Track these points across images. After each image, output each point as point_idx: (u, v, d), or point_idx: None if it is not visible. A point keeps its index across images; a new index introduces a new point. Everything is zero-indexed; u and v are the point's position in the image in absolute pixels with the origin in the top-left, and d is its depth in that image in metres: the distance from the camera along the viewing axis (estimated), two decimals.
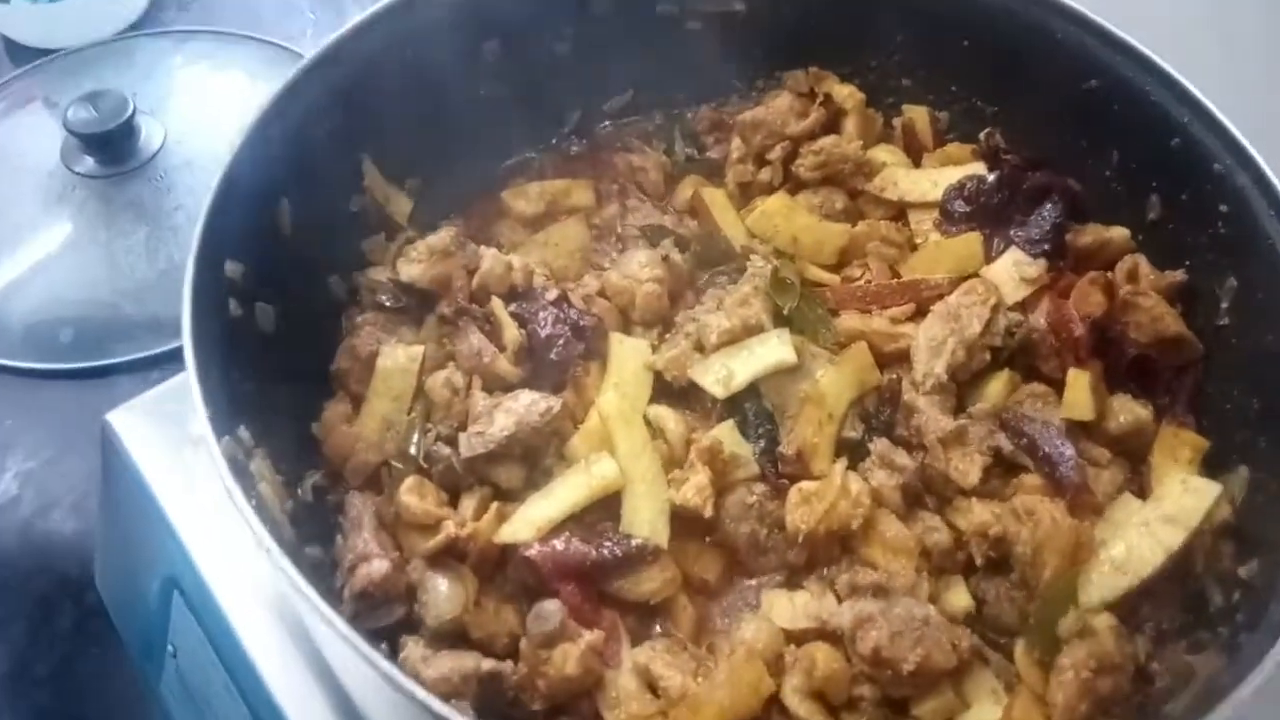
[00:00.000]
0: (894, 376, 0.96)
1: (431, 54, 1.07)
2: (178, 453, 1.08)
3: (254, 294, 0.92)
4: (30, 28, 1.74)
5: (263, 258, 0.93)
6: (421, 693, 0.68)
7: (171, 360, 1.26)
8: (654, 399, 0.97)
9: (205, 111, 1.61)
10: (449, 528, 0.85)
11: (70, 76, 1.66)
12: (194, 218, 0.91)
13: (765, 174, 1.15)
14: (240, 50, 1.71)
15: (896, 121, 1.18)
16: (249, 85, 1.61)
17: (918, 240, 1.08)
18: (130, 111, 1.45)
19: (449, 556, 0.86)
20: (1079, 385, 0.92)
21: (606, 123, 1.24)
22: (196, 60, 1.71)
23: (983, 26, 1.10)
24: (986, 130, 1.11)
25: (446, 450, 0.90)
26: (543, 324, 0.97)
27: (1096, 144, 1.05)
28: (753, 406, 0.95)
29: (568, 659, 0.79)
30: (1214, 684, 0.74)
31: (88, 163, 1.50)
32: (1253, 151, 0.92)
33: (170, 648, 1.17)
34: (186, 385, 0.80)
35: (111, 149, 1.48)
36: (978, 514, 0.88)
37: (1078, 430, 0.92)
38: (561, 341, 0.96)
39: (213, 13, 1.81)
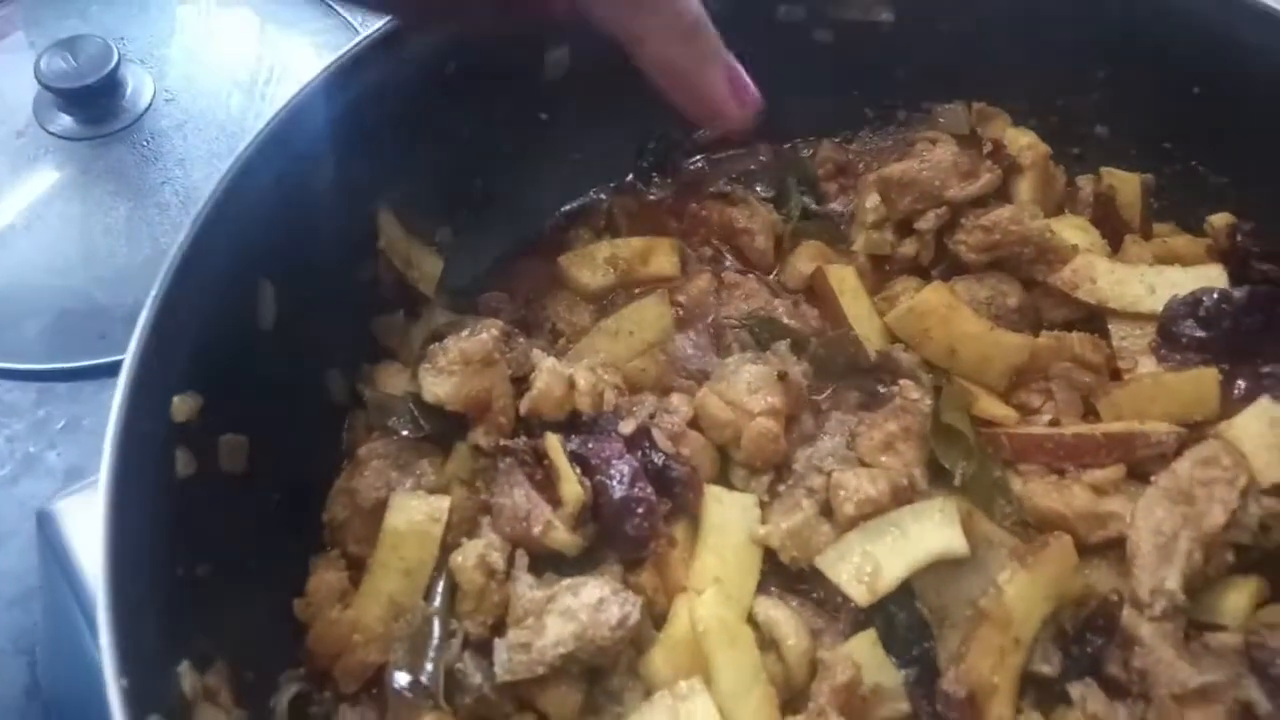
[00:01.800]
0: (1112, 596, 0.69)
1: (479, 66, 0.80)
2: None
3: (215, 428, 0.65)
4: None
5: (230, 374, 0.66)
6: None
7: None
8: (762, 584, 0.71)
9: (204, 61, 1.40)
10: None
11: (51, 11, 1.43)
12: (184, 191, 0.66)
13: (908, 246, 0.87)
14: None
15: (1084, 183, 0.89)
16: (258, 28, 1.39)
17: (1123, 363, 0.80)
18: (114, 62, 1.27)
19: None
20: None
21: (698, 157, 0.95)
22: None
23: (1225, 67, 0.81)
24: (1231, 223, 0.81)
25: (478, 679, 0.64)
26: (617, 480, 0.70)
27: None
28: (903, 612, 0.69)
29: None
30: None
31: (64, 121, 1.32)
32: None
33: None
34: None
35: (91, 106, 1.30)
36: None
37: None
38: (641, 512, 0.69)
39: None
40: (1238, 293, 0.77)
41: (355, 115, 0.75)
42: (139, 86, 1.32)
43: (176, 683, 0.56)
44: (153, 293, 0.62)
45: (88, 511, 0.89)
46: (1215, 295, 0.77)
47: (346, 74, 0.73)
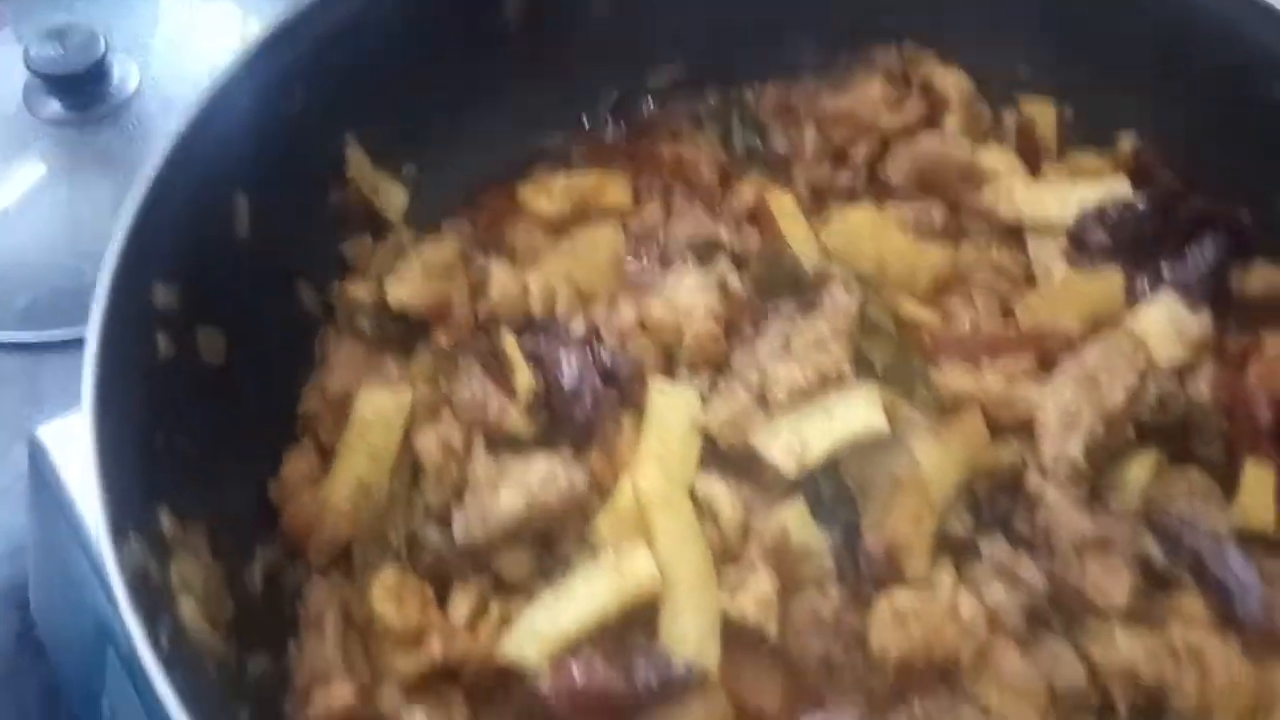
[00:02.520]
0: (1017, 460, 0.75)
1: (440, 8, 0.86)
2: None
3: (195, 320, 0.72)
4: None
5: (208, 270, 0.73)
6: None
7: None
8: (703, 465, 0.77)
9: (189, 49, 1.45)
10: (435, 646, 0.65)
11: (40, 3, 1.46)
12: None
13: (844, 177, 0.94)
14: None
15: (1011, 120, 0.95)
16: (239, 18, 1.43)
17: (1038, 271, 0.86)
18: (102, 50, 1.31)
19: (437, 677, 0.66)
20: (1259, 485, 0.71)
21: (650, 101, 1.02)
22: None
23: (1128, 5, 0.87)
24: (1135, 140, 0.88)
25: (436, 538, 0.70)
26: (566, 369, 0.76)
27: (1270, 164, 0.83)
28: (829, 485, 0.75)
29: None
30: None
31: (53, 107, 1.35)
32: None
33: (106, 703, 0.99)
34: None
35: (80, 91, 1.32)
36: (1123, 648, 0.68)
37: (1253, 543, 0.71)
38: (589, 395, 0.76)
39: None
40: (1140, 201, 0.84)
41: (325, 50, 0.81)
42: (125, 73, 1.35)
43: (156, 522, 0.62)
44: (137, 190, 0.68)
45: (75, 438, 0.95)
46: (1121, 207, 0.84)
47: (318, 11, 0.80)
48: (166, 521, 0.63)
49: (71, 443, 0.94)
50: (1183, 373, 0.77)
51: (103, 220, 1.30)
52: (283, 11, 0.79)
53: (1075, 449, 0.73)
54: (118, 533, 0.57)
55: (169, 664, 0.53)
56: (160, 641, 0.54)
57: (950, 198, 0.91)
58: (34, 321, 1.19)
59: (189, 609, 0.60)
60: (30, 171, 1.30)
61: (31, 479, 1.01)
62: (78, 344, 1.16)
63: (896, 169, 0.91)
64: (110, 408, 0.60)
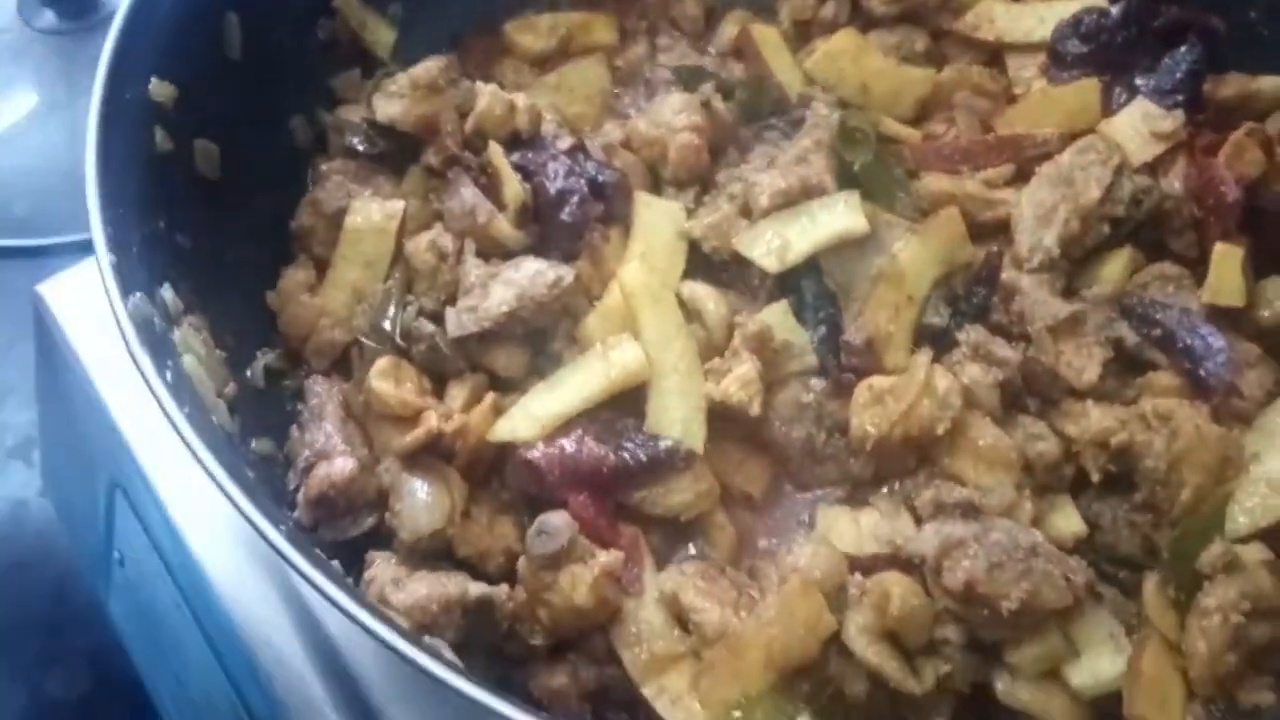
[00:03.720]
0: (991, 250, 0.77)
1: None
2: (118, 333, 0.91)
3: (191, 126, 0.74)
4: None
5: (202, 82, 0.74)
6: (385, 630, 0.52)
7: None
8: (689, 274, 0.79)
9: None
10: (431, 420, 0.68)
11: None
12: None
13: (828, 9, 0.95)
14: None
15: None
16: None
17: (1018, 90, 0.88)
18: None
19: (432, 456, 0.69)
20: (1229, 263, 0.74)
21: None
22: None
23: None
24: None
25: (430, 328, 0.72)
26: (553, 177, 0.78)
27: None
28: (811, 285, 0.77)
29: (577, 584, 0.63)
30: None
31: (47, 17, 1.38)
32: None
33: (117, 554, 1.02)
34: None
35: (73, 2, 1.34)
36: (1095, 419, 0.70)
37: (1223, 319, 0.73)
38: (576, 199, 0.77)
39: None
40: (1115, 9, 0.85)
41: None
42: None
43: (158, 293, 0.64)
44: None
45: (75, 290, 0.97)
46: (1095, 14, 0.85)
47: None
48: (170, 297, 0.65)
49: (71, 295, 0.97)
50: (1156, 169, 0.79)
51: None
52: None
53: (1050, 240, 0.76)
54: (124, 288, 0.59)
55: (177, 398, 0.55)
56: (166, 378, 0.56)
57: (931, 23, 0.92)
58: (34, 228, 1.21)
59: (191, 364, 0.63)
60: (27, 82, 1.33)
61: (36, 337, 1.03)
62: (77, 248, 1.19)
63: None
64: (110, 178, 0.62)
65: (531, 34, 0.94)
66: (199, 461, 0.53)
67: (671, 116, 0.84)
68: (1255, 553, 0.64)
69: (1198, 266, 0.76)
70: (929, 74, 0.88)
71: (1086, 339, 0.73)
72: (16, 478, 1.21)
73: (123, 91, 0.67)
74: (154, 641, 0.99)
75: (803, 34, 0.95)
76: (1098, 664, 0.64)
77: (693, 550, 0.71)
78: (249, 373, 0.73)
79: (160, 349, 0.59)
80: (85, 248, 1.16)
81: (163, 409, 0.54)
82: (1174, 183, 0.78)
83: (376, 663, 0.69)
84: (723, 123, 0.86)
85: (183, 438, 0.54)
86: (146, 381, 0.55)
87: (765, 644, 0.62)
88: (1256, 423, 0.70)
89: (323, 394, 0.73)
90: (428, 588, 0.61)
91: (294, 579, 0.73)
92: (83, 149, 1.30)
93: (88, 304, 0.95)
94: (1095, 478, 0.69)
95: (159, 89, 0.70)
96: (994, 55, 0.90)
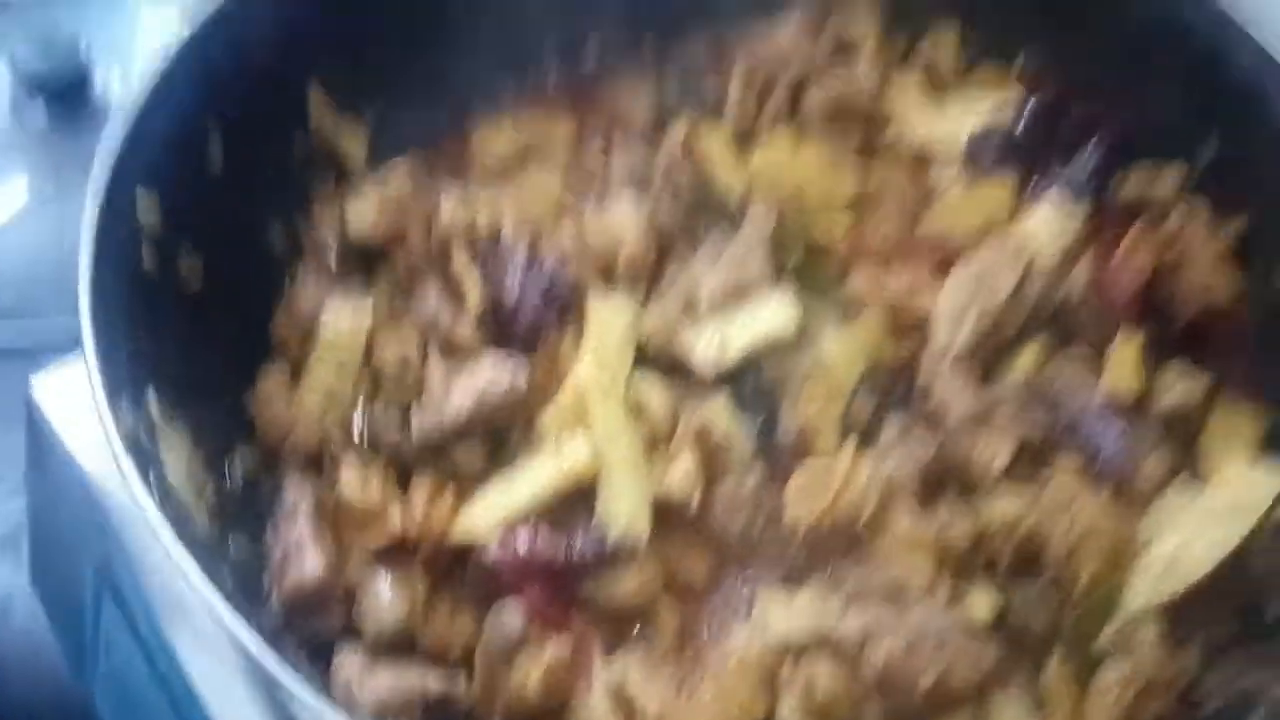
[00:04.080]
0: (911, 346, 0.84)
1: None
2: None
3: (176, 244, 0.80)
4: None
5: (187, 201, 0.81)
6: None
7: None
8: (639, 368, 0.85)
9: None
10: (395, 520, 0.74)
11: (22, 15, 1.52)
12: None
13: (767, 114, 1.02)
14: None
15: (919, 50, 1.04)
16: None
17: (939, 191, 0.95)
18: (83, 54, 1.38)
19: (396, 554, 0.75)
20: (1123, 356, 0.81)
21: (591, 55, 1.10)
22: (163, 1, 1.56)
23: None
24: (1028, 57, 0.97)
25: (396, 429, 0.78)
26: (511, 282, 0.85)
27: (1146, 79, 0.92)
28: (750, 380, 0.84)
29: (530, 675, 0.69)
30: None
31: (39, 115, 1.42)
32: None
33: (103, 644, 1.07)
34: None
35: (64, 99, 1.39)
36: (1006, 505, 0.76)
37: (1123, 408, 0.80)
38: (532, 303, 0.84)
39: None
40: (1027, 110, 0.93)
41: (292, 3, 0.90)
42: (109, 80, 1.41)
43: (144, 401, 0.70)
44: (127, 109, 0.76)
45: (68, 388, 1.03)
46: (1007, 118, 0.93)
47: None
48: (154, 404, 0.71)
49: (64, 391, 1.02)
50: (1064, 266, 0.86)
51: None
52: None
53: (963, 337, 0.82)
54: (112, 398, 0.65)
55: (161, 505, 0.61)
56: (151, 483, 0.62)
57: (862, 132, 0.99)
58: (22, 316, 1.28)
59: (175, 474, 0.69)
60: (17, 178, 1.38)
61: (28, 435, 1.08)
62: (58, 339, 1.23)
63: (813, 104, 0.99)
64: (101, 298, 0.69)
65: (495, 141, 1.01)
66: (179, 567, 0.59)
67: (622, 219, 0.91)
68: (1149, 632, 0.70)
69: (1102, 356, 0.83)
70: (859, 178, 0.96)
71: (998, 428, 0.79)
72: (3, 570, 1.23)
73: (112, 212, 0.74)
74: None
75: (745, 137, 1.02)
76: None
77: (638, 633, 0.77)
78: (227, 473, 0.79)
79: (145, 455, 0.65)
80: (73, 336, 1.24)
81: (147, 517, 0.60)
82: (1079, 277, 0.85)
83: None
84: (670, 222, 0.93)
85: (165, 545, 0.60)
86: (131, 489, 0.61)
87: None
88: (1152, 507, 0.76)
89: (295, 492, 0.78)
90: (390, 681, 0.67)
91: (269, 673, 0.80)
92: (70, 241, 1.36)
93: (79, 398, 1.00)
94: (1005, 561, 0.76)
95: (147, 208, 0.77)
96: (918, 159, 0.97)
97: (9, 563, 1.20)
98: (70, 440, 0.97)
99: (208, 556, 0.64)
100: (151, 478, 0.65)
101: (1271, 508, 0.73)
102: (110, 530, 0.92)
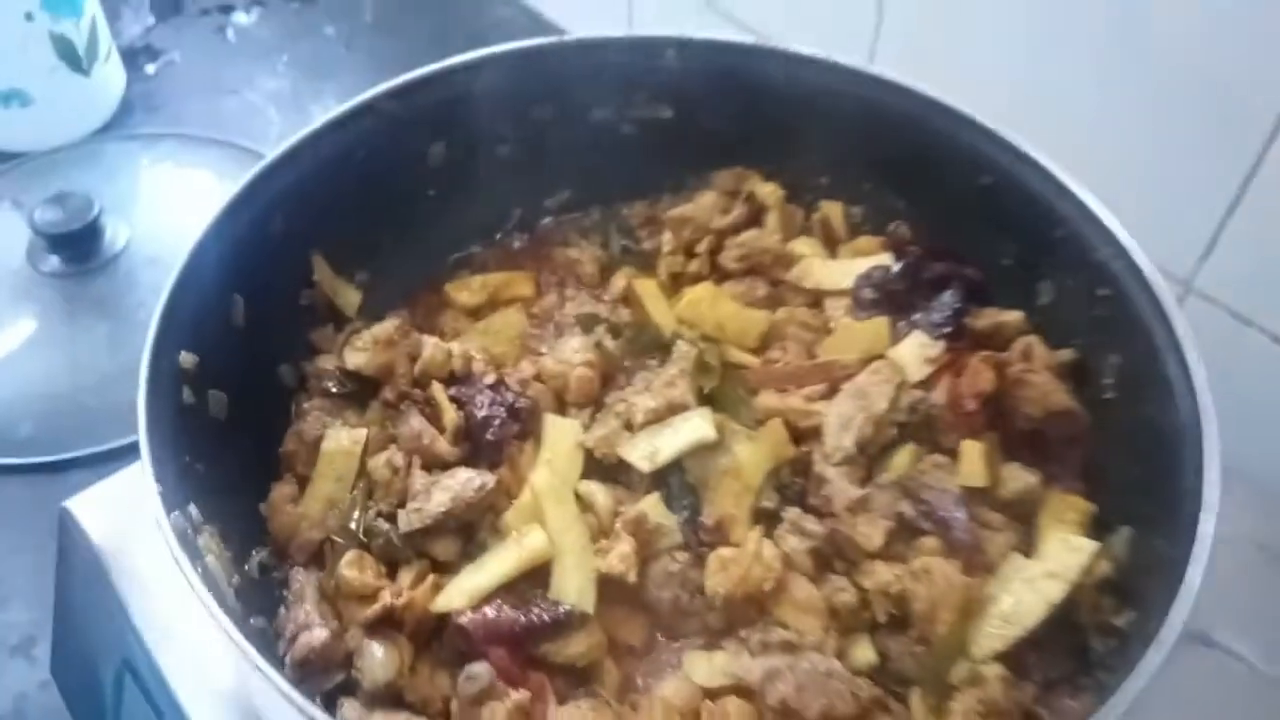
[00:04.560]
0: (806, 450, 1.03)
1: (382, 156, 1.16)
2: (133, 538, 1.14)
3: (206, 382, 0.98)
4: (1, 131, 1.80)
5: (216, 349, 0.99)
6: None
7: (129, 453, 1.21)
8: (585, 475, 1.04)
9: (170, 211, 1.68)
10: (386, 597, 0.90)
11: (38, 178, 1.72)
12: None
13: (694, 265, 1.24)
14: (205, 152, 1.79)
15: (815, 216, 1.27)
16: (214, 185, 1.69)
17: (832, 324, 1.16)
18: (96, 212, 1.51)
19: (386, 625, 0.91)
20: (972, 455, 1.00)
21: (547, 218, 1.33)
22: (162, 161, 1.78)
23: (889, 131, 1.18)
24: (893, 224, 1.20)
25: (385, 526, 0.96)
26: (480, 406, 1.04)
27: (992, 235, 1.14)
28: (677, 481, 1.02)
29: (496, 715, 0.84)
30: None
31: (53, 261, 1.56)
32: (1124, 239, 1.01)
33: None
34: (142, 474, 0.86)
35: (77, 248, 1.53)
36: (881, 574, 0.94)
37: (974, 496, 0.99)
38: (497, 422, 1.03)
39: (179, 116, 1.89)
40: (895, 268, 1.15)
41: (296, 188, 1.08)
42: (116, 232, 1.56)
43: (188, 510, 0.88)
44: (166, 287, 0.96)
45: (97, 505, 1.19)
46: (881, 269, 1.15)
47: (290, 160, 1.09)
48: (194, 511, 0.88)
49: (94, 510, 1.19)
50: (928, 385, 1.06)
51: (99, 357, 1.53)
52: (264, 160, 1.08)
53: (848, 442, 1.01)
54: (168, 508, 0.82)
55: (209, 588, 0.78)
56: (199, 573, 0.79)
57: (769, 276, 1.21)
58: (35, 447, 1.41)
59: (212, 563, 0.85)
60: (33, 317, 1.53)
61: (60, 546, 1.24)
62: (74, 464, 1.37)
63: (730, 257, 1.21)
64: (154, 431, 0.87)
65: (466, 291, 1.22)
66: (225, 632, 0.75)
67: (571, 355, 1.11)
68: (993, 670, 0.88)
69: (956, 454, 1.03)
70: (767, 315, 1.16)
71: (875, 514, 0.98)
72: (19, 673, 1.33)
73: (158, 363, 0.92)
74: None
75: (675, 285, 1.23)
76: None
77: (586, 690, 0.93)
78: (247, 566, 0.96)
79: (192, 553, 0.82)
80: (85, 463, 1.37)
81: (198, 596, 0.77)
82: (939, 395, 1.05)
83: None
84: (612, 357, 1.13)
85: (213, 616, 0.76)
86: (186, 577, 0.78)
87: None
88: (998, 573, 0.94)
89: (302, 581, 0.95)
90: None
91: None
92: (82, 376, 1.50)
93: (106, 516, 1.18)
94: (881, 619, 0.93)
95: (187, 359, 0.95)
96: (815, 299, 1.19)
97: (25, 666, 1.31)
98: (101, 553, 1.14)
99: (240, 623, 0.81)
100: (198, 569, 0.81)
101: (1086, 571, 0.91)
102: (133, 624, 1.08)
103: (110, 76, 1.87)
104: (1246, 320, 1.27)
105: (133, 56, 2.01)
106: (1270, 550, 1.13)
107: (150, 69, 2.01)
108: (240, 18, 2.16)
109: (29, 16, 1.68)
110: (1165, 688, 1.01)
